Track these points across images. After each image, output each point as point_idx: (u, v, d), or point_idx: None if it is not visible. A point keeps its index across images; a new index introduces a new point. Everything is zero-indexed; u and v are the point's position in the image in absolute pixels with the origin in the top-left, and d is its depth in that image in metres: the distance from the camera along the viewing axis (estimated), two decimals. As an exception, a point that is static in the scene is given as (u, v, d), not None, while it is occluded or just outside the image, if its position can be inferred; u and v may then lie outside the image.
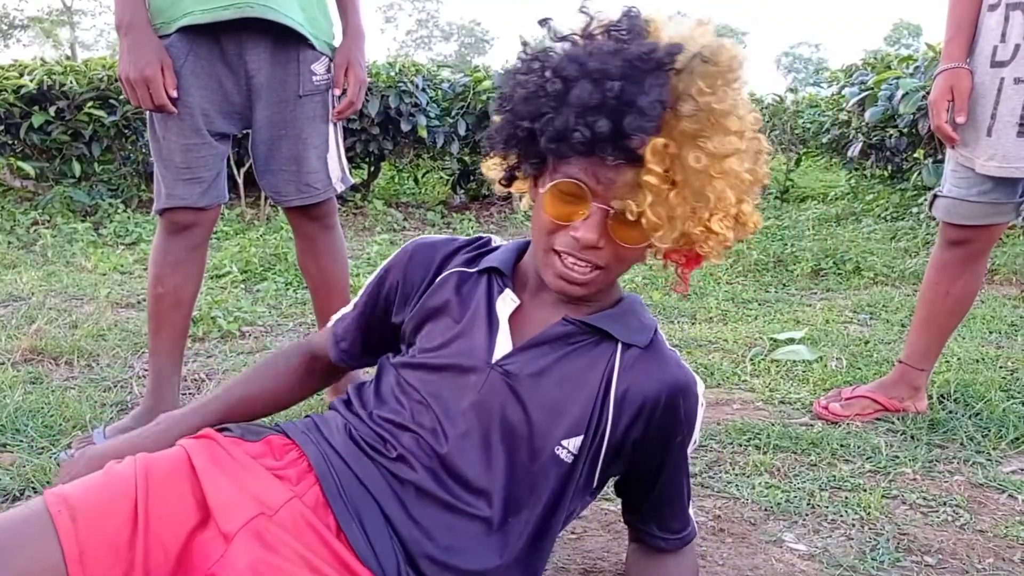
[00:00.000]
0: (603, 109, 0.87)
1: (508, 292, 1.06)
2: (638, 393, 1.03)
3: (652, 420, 1.04)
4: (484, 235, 1.17)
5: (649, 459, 1.08)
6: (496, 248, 1.13)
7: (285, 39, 1.68)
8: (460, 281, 1.10)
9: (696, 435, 1.10)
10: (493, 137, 1.01)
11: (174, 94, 1.62)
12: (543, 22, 0.96)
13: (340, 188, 1.86)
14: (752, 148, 0.95)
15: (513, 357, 1.03)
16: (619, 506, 1.50)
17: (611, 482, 1.20)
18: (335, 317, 1.25)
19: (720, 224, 0.94)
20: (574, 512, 1.13)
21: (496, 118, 0.99)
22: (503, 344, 1.03)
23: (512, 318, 1.05)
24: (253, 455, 1.01)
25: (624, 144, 0.88)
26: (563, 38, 0.94)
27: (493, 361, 1.03)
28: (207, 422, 1.12)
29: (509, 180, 1.06)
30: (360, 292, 1.21)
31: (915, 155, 4.96)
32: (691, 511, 1.18)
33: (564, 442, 1.02)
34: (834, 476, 1.67)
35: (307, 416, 1.12)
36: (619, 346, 1.04)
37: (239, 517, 0.90)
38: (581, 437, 1.02)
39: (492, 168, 1.08)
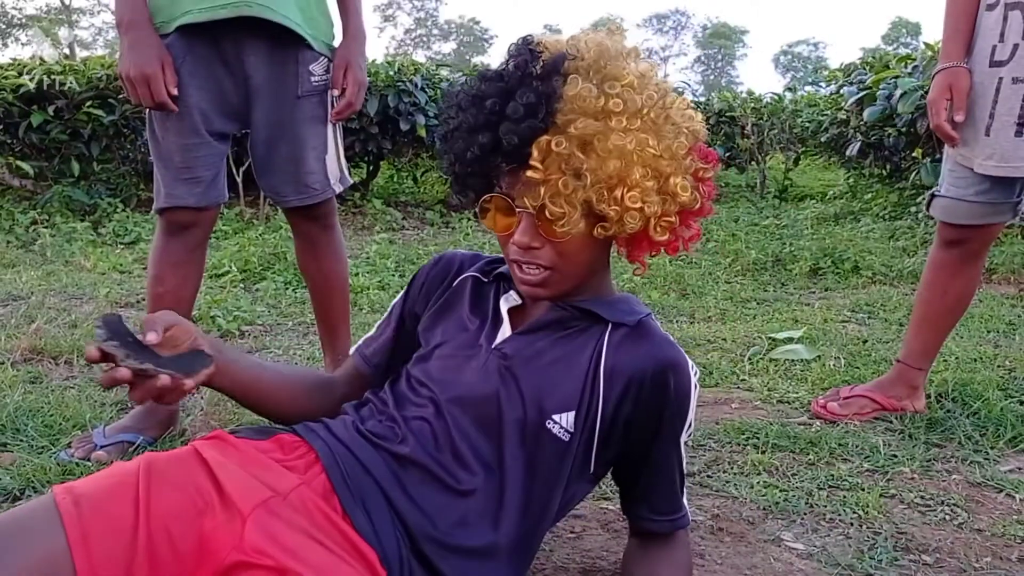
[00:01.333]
0: (485, 126, 0.99)
1: (512, 293, 1.16)
2: (625, 368, 1.07)
3: (641, 396, 1.07)
4: None
5: (641, 437, 1.11)
6: None
7: (283, 39, 1.68)
8: (475, 285, 1.21)
9: (690, 418, 1.12)
10: (446, 172, 1.12)
11: (175, 92, 1.62)
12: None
13: (339, 189, 1.86)
14: (653, 124, 0.99)
15: (509, 341, 1.12)
16: (618, 505, 1.50)
17: (609, 475, 1.21)
18: (355, 346, 1.33)
19: (637, 199, 0.98)
20: (574, 497, 1.16)
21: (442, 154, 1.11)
22: (503, 332, 1.13)
23: (514, 313, 1.15)
24: (262, 450, 1.05)
25: (511, 150, 0.98)
26: (482, 77, 1.04)
27: (492, 346, 1.12)
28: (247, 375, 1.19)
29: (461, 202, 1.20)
30: (387, 316, 1.31)
31: (913, 154, 4.97)
32: (684, 499, 1.20)
33: (556, 416, 1.07)
34: (832, 475, 1.67)
35: (317, 422, 1.16)
36: (608, 326, 1.10)
37: (253, 498, 0.94)
38: (573, 413, 1.07)
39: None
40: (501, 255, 1.18)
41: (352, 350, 1.32)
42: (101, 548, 0.87)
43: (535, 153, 0.97)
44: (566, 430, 1.07)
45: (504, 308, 1.15)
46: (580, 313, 1.11)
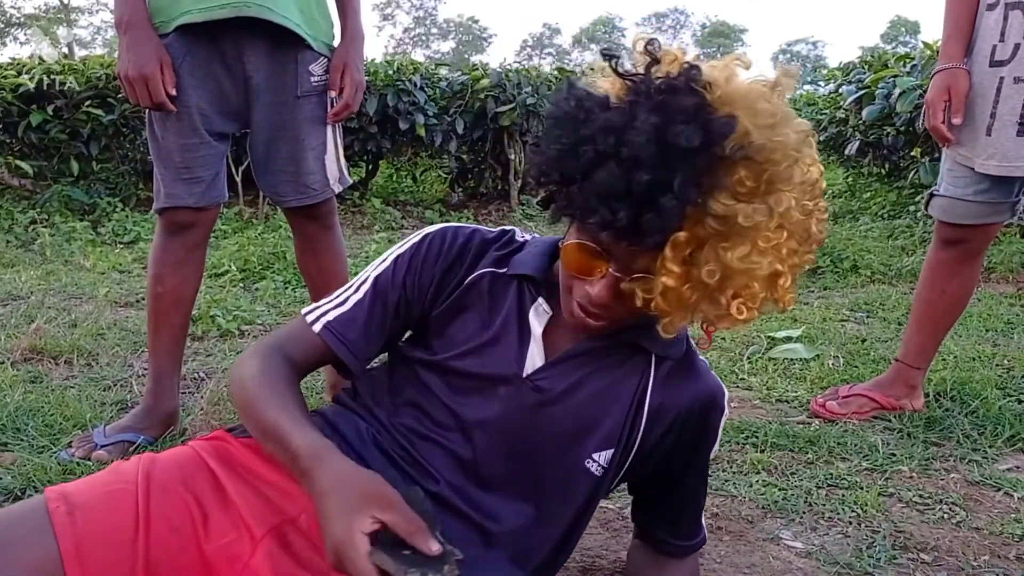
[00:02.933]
0: (626, 199, 0.80)
1: (541, 302, 1.02)
2: (672, 406, 1.02)
3: (684, 431, 1.04)
4: (509, 228, 1.11)
5: (674, 467, 1.08)
6: (523, 244, 1.08)
7: (283, 40, 1.68)
8: (492, 283, 1.04)
9: (717, 444, 1.10)
10: (531, 171, 0.93)
11: (173, 92, 1.62)
12: (608, 57, 0.87)
13: (338, 189, 1.86)
14: (799, 232, 0.86)
15: (544, 372, 1.00)
16: (617, 504, 1.51)
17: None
18: (325, 319, 1.04)
19: (742, 308, 0.87)
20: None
21: (535, 153, 0.91)
22: (535, 357, 1.01)
23: (546, 327, 1.02)
24: (270, 455, 0.98)
25: (642, 236, 0.83)
26: (626, 76, 0.86)
27: (524, 375, 1.00)
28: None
29: (546, 204, 0.99)
30: (360, 289, 1.06)
31: (912, 153, 4.97)
32: (703, 519, 1.19)
33: (595, 455, 1.02)
34: (831, 474, 1.67)
35: (314, 412, 1.07)
36: (653, 358, 1.03)
37: (264, 522, 0.89)
38: (612, 450, 1.02)
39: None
40: (500, 232, 1.09)
41: (318, 325, 1.03)
42: (96, 558, 0.83)
43: (668, 251, 0.83)
44: (601, 466, 1.02)
45: (537, 329, 1.00)
46: (624, 343, 1.02)
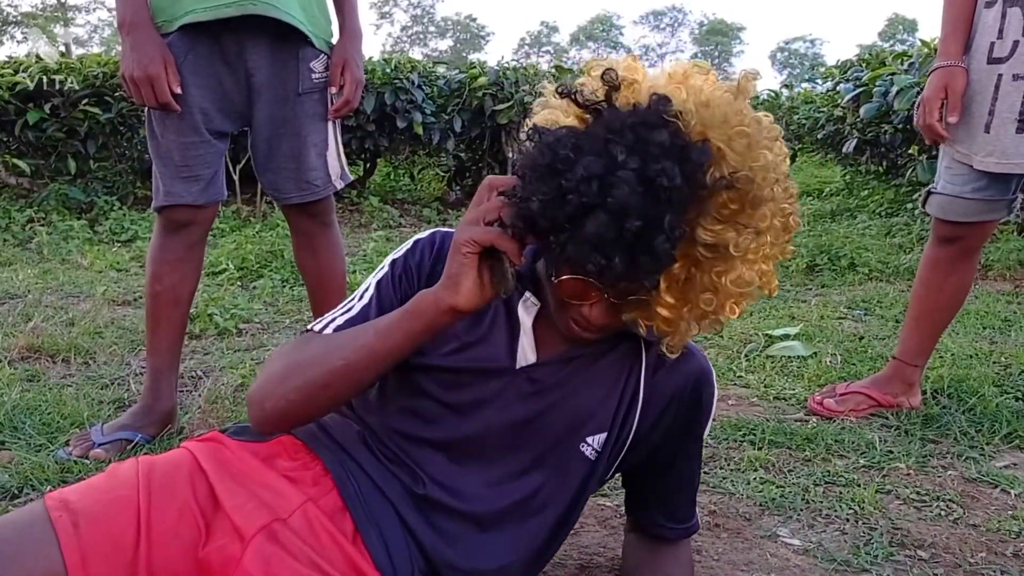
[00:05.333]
0: (619, 246, 0.80)
1: (528, 295, 1.03)
2: (666, 387, 1.05)
3: (679, 411, 1.06)
4: None
5: (668, 449, 1.10)
6: None
7: (285, 37, 1.68)
8: None
9: (710, 422, 1.12)
10: (516, 223, 0.87)
11: (178, 91, 1.62)
12: (563, 92, 0.87)
13: (340, 185, 1.87)
14: (779, 232, 0.89)
15: (537, 367, 1.02)
16: (615, 502, 1.51)
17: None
18: (335, 324, 1.05)
19: (736, 311, 0.91)
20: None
21: (518, 204, 0.85)
22: (526, 349, 1.02)
23: (535, 320, 1.03)
24: (264, 455, 1.00)
25: (638, 278, 0.84)
26: (588, 106, 0.85)
27: (517, 367, 1.02)
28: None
29: (535, 257, 1.02)
30: (364, 296, 1.07)
31: (910, 151, 4.97)
32: (696, 505, 1.21)
33: (589, 439, 1.04)
34: (828, 471, 1.68)
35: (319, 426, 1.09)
36: (643, 343, 1.05)
37: (254, 522, 0.89)
38: (605, 434, 1.04)
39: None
40: None
41: (329, 330, 1.04)
42: (100, 568, 0.84)
43: (663, 285, 0.86)
44: (595, 450, 1.05)
45: (527, 321, 1.02)
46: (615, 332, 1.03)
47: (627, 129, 0.81)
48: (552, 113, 0.90)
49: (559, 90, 0.88)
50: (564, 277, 0.90)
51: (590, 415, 1.03)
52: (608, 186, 0.79)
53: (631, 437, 1.06)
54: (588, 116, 0.86)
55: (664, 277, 0.85)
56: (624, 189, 0.78)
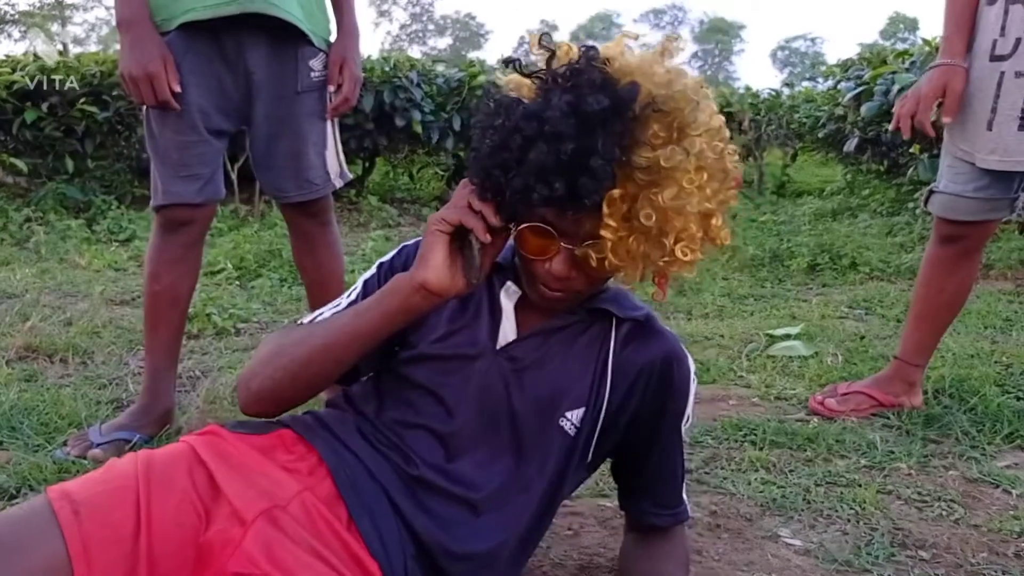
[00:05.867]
0: (558, 171, 0.90)
1: (510, 284, 1.10)
2: (634, 362, 1.09)
3: (647, 389, 1.09)
4: None
5: (644, 430, 1.12)
6: None
7: (283, 35, 1.68)
8: None
9: (689, 411, 1.14)
10: (476, 175, 0.99)
11: (177, 89, 1.61)
12: (508, 62, 0.98)
13: (339, 184, 1.87)
14: (717, 172, 0.96)
15: (516, 344, 1.08)
16: (615, 503, 1.50)
17: (608, 472, 1.21)
18: (320, 319, 1.13)
19: (688, 251, 0.96)
20: (573, 487, 1.18)
21: (474, 158, 0.98)
22: (508, 331, 1.09)
23: (516, 305, 1.10)
24: (263, 448, 1.02)
25: (581, 200, 0.92)
26: (532, 74, 0.96)
27: (498, 347, 1.08)
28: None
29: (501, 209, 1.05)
30: (352, 293, 1.15)
31: (911, 150, 4.96)
32: (685, 494, 1.22)
33: (568, 414, 1.08)
34: (830, 472, 1.67)
35: (307, 412, 1.13)
36: (615, 321, 1.10)
37: (254, 507, 0.91)
38: (583, 409, 1.08)
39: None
40: None
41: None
42: (102, 557, 0.85)
43: (606, 209, 0.92)
44: (575, 425, 1.08)
45: (508, 306, 1.09)
46: (590, 312, 1.11)
47: (560, 76, 0.93)
48: (506, 90, 0.99)
49: (503, 61, 0.99)
50: (523, 227, 0.99)
51: (568, 390, 1.08)
52: (544, 120, 0.90)
53: (604, 411, 1.09)
54: (537, 81, 0.96)
55: (607, 204, 0.92)
56: (557, 118, 0.89)
